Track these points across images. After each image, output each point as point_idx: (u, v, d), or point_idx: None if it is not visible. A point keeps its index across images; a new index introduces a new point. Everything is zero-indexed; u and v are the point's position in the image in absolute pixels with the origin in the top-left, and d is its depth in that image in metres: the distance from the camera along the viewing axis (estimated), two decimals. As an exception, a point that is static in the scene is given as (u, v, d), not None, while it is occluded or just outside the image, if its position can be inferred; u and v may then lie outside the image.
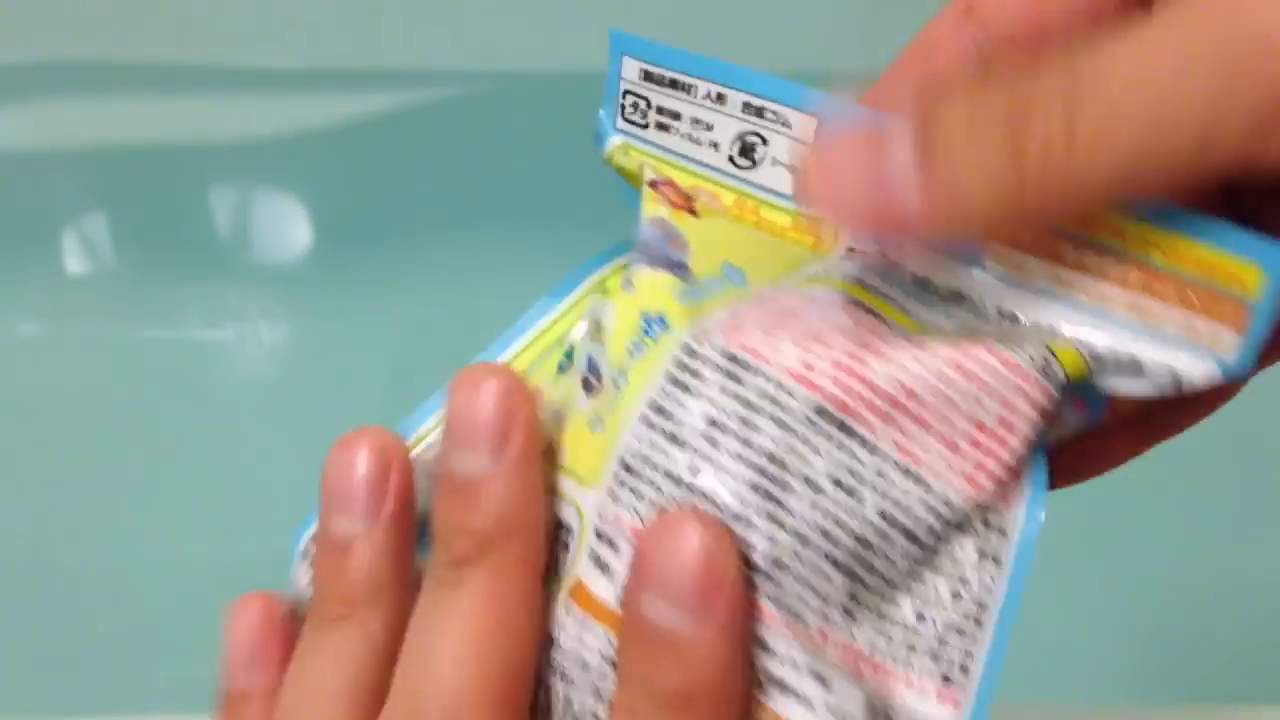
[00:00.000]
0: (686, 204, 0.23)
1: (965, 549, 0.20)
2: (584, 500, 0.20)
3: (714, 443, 0.19)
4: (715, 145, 0.23)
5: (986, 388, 0.19)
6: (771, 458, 0.19)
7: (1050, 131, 0.17)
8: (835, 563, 0.19)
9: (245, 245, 0.77)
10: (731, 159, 0.23)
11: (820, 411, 0.19)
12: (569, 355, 0.23)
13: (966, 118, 0.17)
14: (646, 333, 0.21)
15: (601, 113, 0.24)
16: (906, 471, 0.20)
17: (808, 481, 0.19)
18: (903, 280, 0.21)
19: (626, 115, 0.24)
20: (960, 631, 0.20)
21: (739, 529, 0.19)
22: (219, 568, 0.66)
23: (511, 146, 0.76)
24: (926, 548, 0.20)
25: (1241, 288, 0.19)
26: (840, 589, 0.20)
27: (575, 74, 0.76)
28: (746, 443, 0.19)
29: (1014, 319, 0.20)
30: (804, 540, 0.19)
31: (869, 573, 0.20)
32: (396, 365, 0.73)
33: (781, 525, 0.19)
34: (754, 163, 0.23)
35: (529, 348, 0.24)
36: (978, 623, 0.20)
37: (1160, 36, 0.17)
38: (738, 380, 0.19)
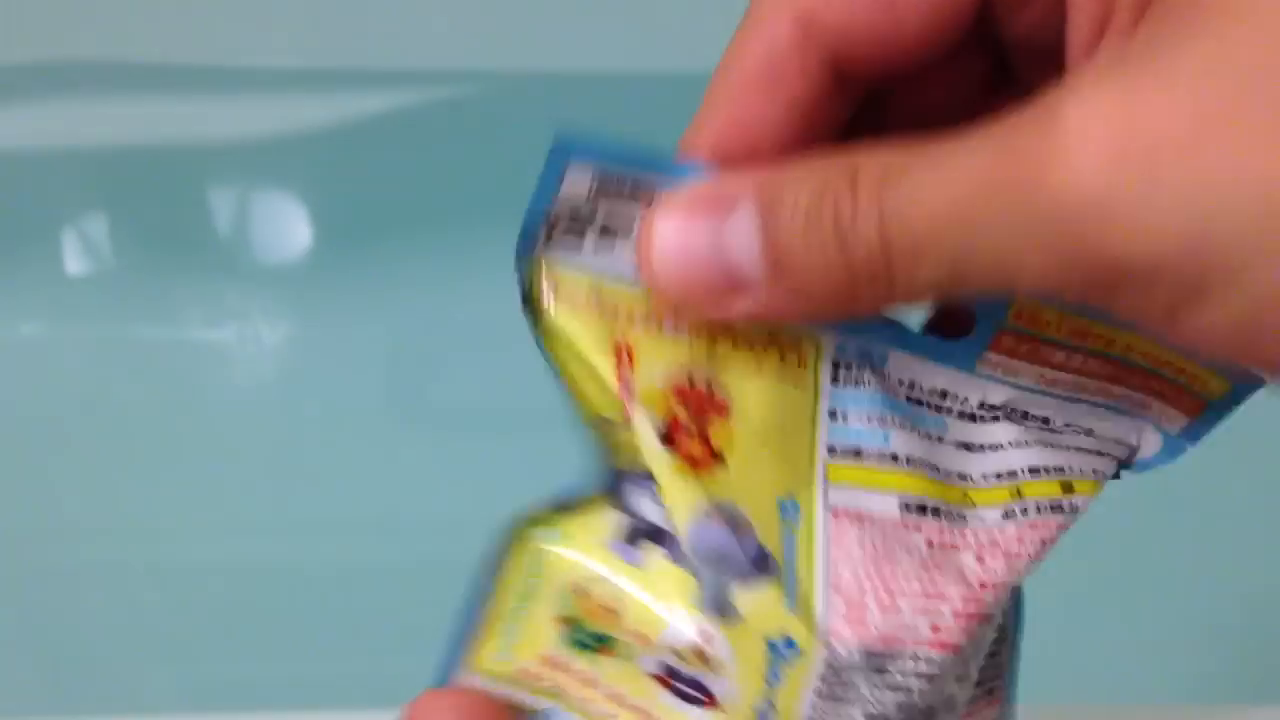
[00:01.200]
0: (707, 450, 0.20)
1: None
2: None
3: None
4: None
5: (1047, 544, 0.22)
6: (927, 712, 0.21)
7: (871, 250, 0.18)
8: None
9: (245, 245, 0.77)
10: None
11: (954, 656, 0.21)
12: (593, 635, 0.21)
13: (804, 216, 0.18)
14: (779, 657, 0.20)
15: (528, 214, 0.20)
16: (995, 653, 0.22)
17: (946, 704, 0.21)
18: (924, 422, 0.21)
19: (559, 235, 0.20)
20: (993, 655, 0.23)
21: None
22: (219, 568, 0.66)
23: (511, 146, 0.76)
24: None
25: (1205, 389, 0.21)
26: None
27: (576, 74, 0.76)
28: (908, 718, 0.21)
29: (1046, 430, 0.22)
30: None
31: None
32: (396, 365, 0.73)
33: None
34: None
35: (490, 633, 0.22)
36: (1002, 641, 0.23)
37: (965, 169, 0.17)
38: (884, 671, 0.20)
